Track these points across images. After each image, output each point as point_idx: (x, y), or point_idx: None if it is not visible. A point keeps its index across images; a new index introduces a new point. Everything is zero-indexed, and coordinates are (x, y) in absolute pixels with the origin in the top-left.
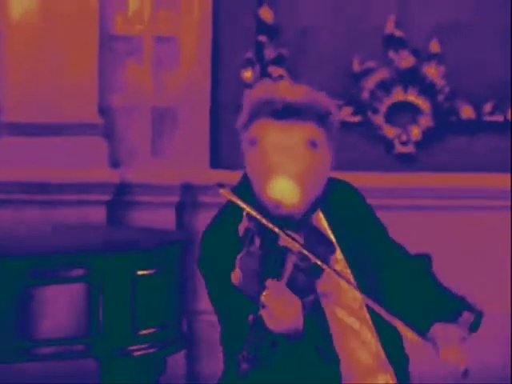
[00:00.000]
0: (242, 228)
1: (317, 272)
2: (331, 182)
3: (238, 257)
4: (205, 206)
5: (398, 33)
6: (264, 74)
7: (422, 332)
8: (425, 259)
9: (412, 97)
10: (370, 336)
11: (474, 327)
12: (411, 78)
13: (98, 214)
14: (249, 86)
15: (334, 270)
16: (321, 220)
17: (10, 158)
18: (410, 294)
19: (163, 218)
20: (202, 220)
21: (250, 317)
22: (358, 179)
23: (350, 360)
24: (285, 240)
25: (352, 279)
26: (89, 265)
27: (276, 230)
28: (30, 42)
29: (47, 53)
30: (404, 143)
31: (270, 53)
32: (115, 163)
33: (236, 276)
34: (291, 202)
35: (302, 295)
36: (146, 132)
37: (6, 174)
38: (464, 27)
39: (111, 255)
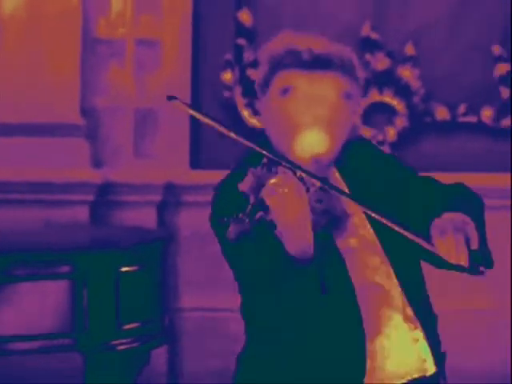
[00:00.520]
0: (245, 184)
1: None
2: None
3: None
4: (186, 205)
5: (374, 35)
6: (243, 76)
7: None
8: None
9: (388, 98)
10: (395, 291)
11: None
12: (387, 79)
13: (82, 214)
14: (228, 87)
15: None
16: (336, 178)
17: None
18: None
19: (145, 217)
20: (184, 219)
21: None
22: None
23: (375, 316)
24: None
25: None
26: (74, 262)
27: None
28: (13, 44)
29: (30, 55)
30: (380, 143)
31: (248, 55)
32: (98, 163)
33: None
34: (323, 153)
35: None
36: (128, 133)
37: None
38: (438, 30)
39: (95, 253)
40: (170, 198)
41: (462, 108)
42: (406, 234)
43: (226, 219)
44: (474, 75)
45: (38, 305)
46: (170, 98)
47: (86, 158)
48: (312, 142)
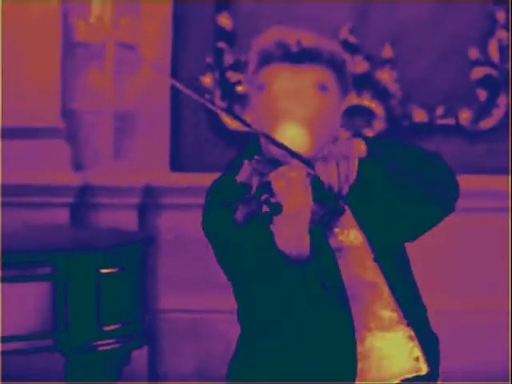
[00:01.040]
0: (243, 174)
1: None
2: None
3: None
4: (165, 207)
5: (352, 39)
6: (223, 80)
7: None
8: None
9: (366, 101)
10: (385, 290)
11: None
12: (365, 82)
13: (62, 216)
14: (208, 91)
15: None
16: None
17: None
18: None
19: (126, 219)
20: (163, 221)
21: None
22: None
23: (366, 312)
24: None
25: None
26: (54, 264)
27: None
28: None
29: (11, 58)
30: None
31: (228, 58)
32: (78, 166)
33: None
34: (301, 148)
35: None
36: (108, 135)
37: None
38: (416, 33)
39: (76, 254)
40: (151, 200)
41: (439, 110)
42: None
43: (232, 202)
44: (452, 78)
45: (20, 306)
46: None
47: (67, 160)
48: (290, 136)
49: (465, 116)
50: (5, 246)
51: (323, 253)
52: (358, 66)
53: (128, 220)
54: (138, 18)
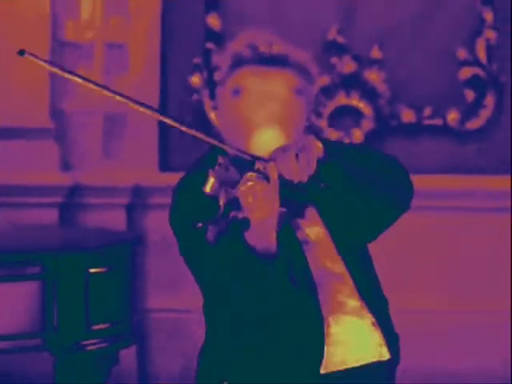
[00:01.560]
0: (209, 186)
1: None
2: None
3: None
4: (154, 207)
5: (341, 39)
6: (211, 80)
7: None
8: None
9: (354, 101)
10: (348, 280)
11: None
12: (353, 82)
13: (51, 216)
14: (196, 91)
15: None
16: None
17: None
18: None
19: (114, 219)
20: (152, 221)
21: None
22: None
23: (333, 301)
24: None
25: None
26: (43, 263)
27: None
28: None
29: None
30: None
31: (217, 59)
32: (67, 166)
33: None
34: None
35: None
36: (97, 136)
37: None
38: (404, 34)
39: (65, 254)
40: (139, 200)
41: (427, 111)
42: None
43: (201, 223)
44: (440, 78)
45: (8, 305)
46: (21, 52)
47: (56, 160)
48: (267, 140)
49: (452, 116)
50: None
51: (291, 246)
52: (346, 66)
53: (117, 220)
54: (127, 17)
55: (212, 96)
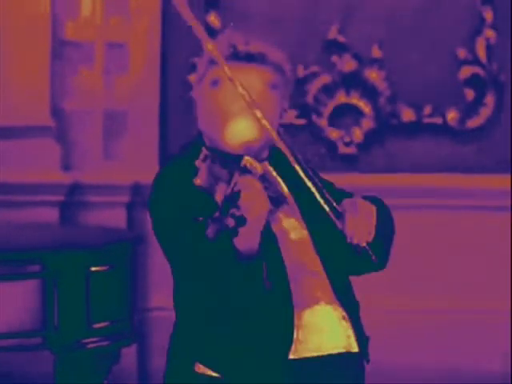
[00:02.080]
0: (201, 178)
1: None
2: None
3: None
4: None
5: (341, 38)
6: None
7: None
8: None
9: (354, 100)
10: (322, 274)
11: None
12: (353, 81)
13: (52, 215)
14: None
15: None
16: (271, 172)
17: None
18: None
19: (115, 218)
20: None
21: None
22: None
23: (307, 295)
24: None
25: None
26: (44, 261)
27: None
28: None
29: (0, 57)
30: (347, 144)
31: None
32: (68, 165)
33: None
34: (252, 140)
35: None
36: (97, 135)
37: None
38: (404, 32)
39: (66, 252)
40: (140, 198)
41: (427, 109)
42: (324, 205)
43: (202, 219)
44: (440, 77)
45: (9, 304)
46: None
47: (56, 159)
48: (241, 130)
49: (452, 115)
50: None
51: (266, 239)
52: (346, 64)
53: (117, 218)
54: (127, 17)
55: None
